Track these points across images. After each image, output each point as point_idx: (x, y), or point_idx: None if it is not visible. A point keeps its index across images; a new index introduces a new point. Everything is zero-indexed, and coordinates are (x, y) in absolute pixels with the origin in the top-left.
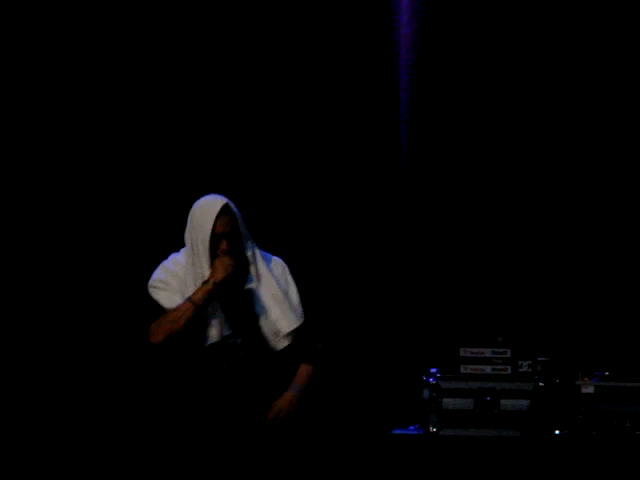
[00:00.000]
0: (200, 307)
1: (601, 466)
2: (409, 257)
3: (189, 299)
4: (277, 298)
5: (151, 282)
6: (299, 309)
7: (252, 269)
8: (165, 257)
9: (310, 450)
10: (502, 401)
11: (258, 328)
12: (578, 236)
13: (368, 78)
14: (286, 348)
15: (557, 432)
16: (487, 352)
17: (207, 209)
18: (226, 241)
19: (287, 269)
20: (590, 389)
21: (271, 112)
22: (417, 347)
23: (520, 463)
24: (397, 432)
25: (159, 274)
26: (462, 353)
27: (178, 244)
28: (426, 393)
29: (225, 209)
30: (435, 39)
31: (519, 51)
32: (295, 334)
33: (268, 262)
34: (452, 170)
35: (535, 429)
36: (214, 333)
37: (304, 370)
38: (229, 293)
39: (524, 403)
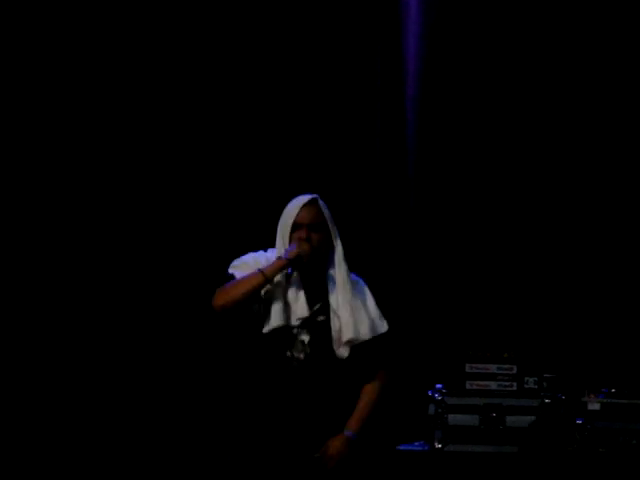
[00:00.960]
0: (268, 279)
1: None
2: (415, 272)
3: (259, 269)
4: (353, 305)
5: (233, 262)
6: (379, 321)
7: (336, 268)
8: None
9: (316, 465)
10: (508, 417)
11: (327, 327)
12: (585, 254)
13: (375, 81)
14: (348, 360)
15: (563, 449)
16: (493, 368)
17: (297, 200)
18: (306, 229)
19: (366, 286)
20: (596, 406)
21: (280, 112)
22: (423, 363)
23: None
24: (402, 448)
25: (243, 257)
26: (468, 369)
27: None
28: (431, 409)
29: (312, 202)
30: (443, 41)
31: (526, 54)
32: (357, 347)
33: (349, 273)
34: (460, 183)
35: (537, 445)
36: (282, 317)
37: (365, 403)
38: (304, 280)
39: (530, 419)
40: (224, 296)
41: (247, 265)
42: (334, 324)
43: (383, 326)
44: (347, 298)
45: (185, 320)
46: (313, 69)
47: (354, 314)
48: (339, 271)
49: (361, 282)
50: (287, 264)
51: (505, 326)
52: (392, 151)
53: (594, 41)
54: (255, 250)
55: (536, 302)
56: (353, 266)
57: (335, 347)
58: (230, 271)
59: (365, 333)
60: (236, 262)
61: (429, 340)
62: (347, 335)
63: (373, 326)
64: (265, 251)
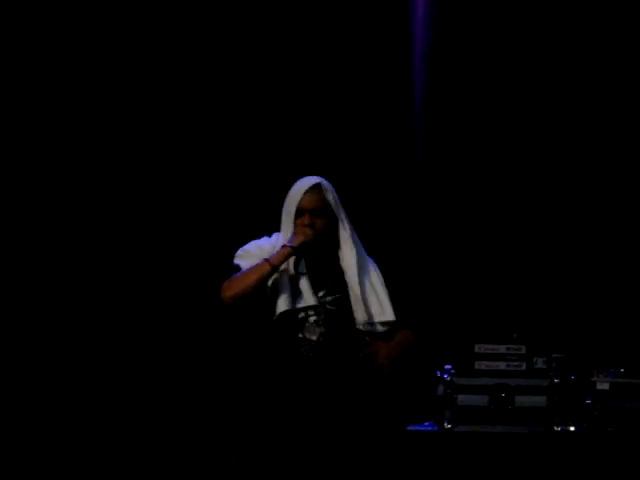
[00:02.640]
0: (275, 267)
1: (616, 462)
2: (424, 253)
3: (265, 259)
4: (375, 286)
5: (237, 252)
6: (389, 307)
7: (345, 249)
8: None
9: (325, 446)
10: (517, 397)
11: (347, 306)
12: (595, 234)
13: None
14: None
15: (572, 428)
16: (502, 348)
17: (299, 184)
18: (308, 215)
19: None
20: (605, 386)
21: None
22: (432, 343)
23: (534, 459)
24: (412, 428)
25: (246, 246)
26: (477, 349)
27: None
28: (441, 389)
29: (316, 187)
30: (451, 32)
31: (532, 58)
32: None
33: (362, 252)
34: (468, 167)
35: (549, 425)
36: (289, 301)
37: (403, 334)
38: (312, 265)
39: (539, 399)
40: (232, 288)
41: (252, 254)
42: (352, 298)
43: (389, 314)
44: (371, 278)
45: (194, 312)
46: (321, 61)
47: (379, 296)
48: (350, 252)
49: (372, 262)
50: (292, 252)
51: (514, 306)
52: (400, 146)
53: (596, 43)
54: (258, 237)
55: (545, 282)
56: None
57: (359, 323)
58: (235, 262)
59: (391, 314)
60: (240, 252)
61: (438, 321)
62: (379, 316)
63: (382, 310)
64: (269, 236)
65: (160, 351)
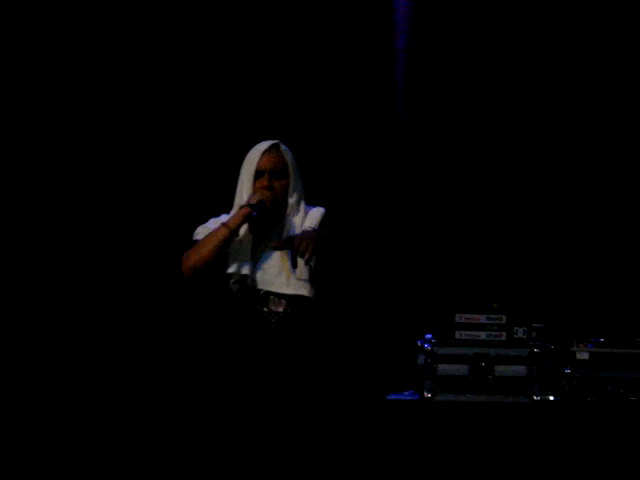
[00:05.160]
0: (233, 231)
1: (595, 432)
2: (404, 222)
3: (222, 223)
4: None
5: (195, 230)
6: (307, 283)
7: (290, 216)
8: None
9: (305, 416)
10: (497, 367)
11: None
12: (572, 202)
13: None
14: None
15: (551, 398)
16: (482, 318)
17: (258, 146)
18: (267, 176)
19: (319, 219)
20: (585, 355)
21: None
22: (412, 313)
23: (514, 429)
24: (392, 397)
25: (205, 223)
26: (457, 319)
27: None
28: (421, 359)
29: (274, 147)
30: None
31: (519, 49)
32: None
33: (306, 214)
34: (452, 127)
35: (529, 395)
36: (244, 268)
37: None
38: (261, 229)
39: (519, 369)
40: (192, 257)
41: (209, 229)
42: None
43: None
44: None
45: (157, 290)
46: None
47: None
48: (298, 215)
49: (316, 212)
50: (249, 212)
51: (494, 276)
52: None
53: (592, 37)
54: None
55: (525, 252)
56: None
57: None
58: (194, 238)
59: (295, 288)
60: (199, 229)
61: (418, 290)
62: (277, 288)
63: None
64: (228, 214)
65: (129, 335)
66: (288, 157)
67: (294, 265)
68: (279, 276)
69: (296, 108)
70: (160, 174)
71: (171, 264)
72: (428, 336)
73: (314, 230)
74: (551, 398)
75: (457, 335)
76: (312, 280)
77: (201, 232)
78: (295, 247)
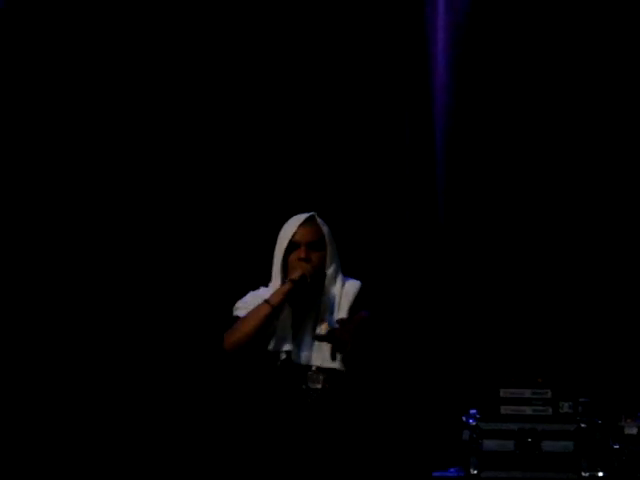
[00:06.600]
0: (276, 308)
1: None
2: (448, 296)
3: (265, 300)
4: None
5: (235, 305)
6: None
7: (328, 288)
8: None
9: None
10: (543, 442)
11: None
12: (620, 279)
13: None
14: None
15: (600, 474)
16: (527, 393)
17: (293, 219)
18: (305, 248)
19: (355, 294)
20: (634, 430)
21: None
22: (457, 388)
23: None
24: (437, 475)
25: (244, 298)
26: (502, 394)
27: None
28: (466, 434)
29: (310, 219)
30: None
31: (550, 70)
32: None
33: (343, 285)
34: (490, 208)
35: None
36: (286, 345)
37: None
38: (299, 302)
39: (566, 444)
40: (235, 334)
41: (250, 304)
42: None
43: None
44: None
45: (197, 366)
46: (337, 76)
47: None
48: (336, 286)
49: (353, 285)
50: (291, 287)
51: (539, 350)
52: (421, 164)
53: (596, 48)
54: (254, 288)
55: (570, 326)
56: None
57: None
58: (235, 313)
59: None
60: (238, 304)
61: (463, 365)
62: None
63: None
64: (266, 287)
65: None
66: (324, 229)
67: (333, 357)
68: (318, 351)
69: (328, 182)
70: (196, 243)
71: (210, 339)
72: (473, 411)
73: (351, 321)
74: (600, 474)
75: (502, 410)
76: (350, 357)
77: (241, 307)
78: (336, 340)
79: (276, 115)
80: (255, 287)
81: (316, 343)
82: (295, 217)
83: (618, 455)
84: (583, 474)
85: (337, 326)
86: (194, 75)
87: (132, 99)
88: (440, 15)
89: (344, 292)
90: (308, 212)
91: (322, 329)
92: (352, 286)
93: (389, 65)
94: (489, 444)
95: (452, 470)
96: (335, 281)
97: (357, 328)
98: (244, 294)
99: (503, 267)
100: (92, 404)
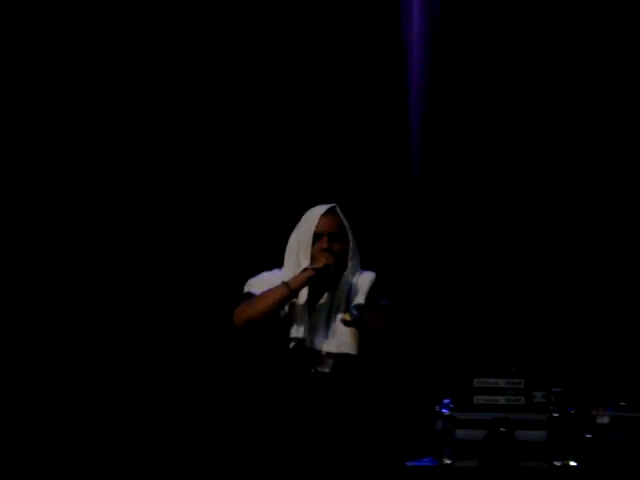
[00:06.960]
0: (294, 292)
1: None
2: (421, 286)
3: (284, 282)
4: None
5: (248, 281)
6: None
7: (345, 278)
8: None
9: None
10: (517, 432)
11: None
12: (592, 267)
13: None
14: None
15: (572, 463)
16: (501, 382)
17: (315, 209)
18: (327, 239)
19: (370, 284)
20: (605, 419)
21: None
22: (430, 378)
23: None
24: (411, 464)
25: (259, 275)
26: (475, 384)
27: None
28: (440, 424)
29: (332, 210)
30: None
31: (530, 56)
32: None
33: (359, 277)
34: (466, 196)
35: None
36: (300, 331)
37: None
38: (315, 290)
39: (539, 434)
40: (248, 310)
41: (263, 282)
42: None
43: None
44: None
45: (204, 340)
46: (317, 72)
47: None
48: (353, 277)
49: (367, 276)
50: (314, 274)
51: (513, 340)
52: (396, 153)
53: (596, 45)
54: (269, 269)
55: (543, 316)
56: None
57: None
58: (246, 289)
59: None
60: (252, 280)
61: (436, 355)
62: (329, 348)
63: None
64: (280, 269)
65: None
66: (345, 221)
67: (359, 343)
68: (332, 337)
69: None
70: (204, 231)
71: (218, 312)
72: (446, 401)
73: (376, 308)
74: (572, 463)
75: (475, 400)
76: (359, 341)
77: (255, 284)
78: (365, 325)
79: (262, 112)
80: (259, 269)
81: (330, 329)
82: (317, 207)
83: (590, 444)
84: (556, 463)
85: (356, 313)
86: (195, 75)
87: (135, 97)
88: (415, 7)
89: (360, 282)
90: (329, 203)
91: (346, 316)
92: (368, 276)
93: (366, 57)
94: (462, 433)
95: (426, 460)
96: (354, 272)
97: (383, 314)
98: (251, 276)
99: (477, 258)
100: (99, 383)
